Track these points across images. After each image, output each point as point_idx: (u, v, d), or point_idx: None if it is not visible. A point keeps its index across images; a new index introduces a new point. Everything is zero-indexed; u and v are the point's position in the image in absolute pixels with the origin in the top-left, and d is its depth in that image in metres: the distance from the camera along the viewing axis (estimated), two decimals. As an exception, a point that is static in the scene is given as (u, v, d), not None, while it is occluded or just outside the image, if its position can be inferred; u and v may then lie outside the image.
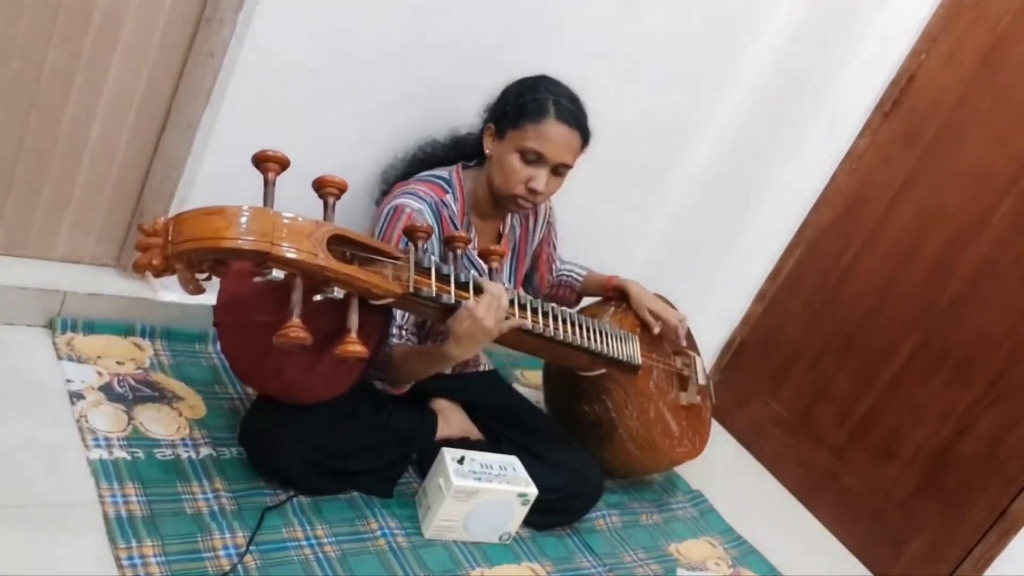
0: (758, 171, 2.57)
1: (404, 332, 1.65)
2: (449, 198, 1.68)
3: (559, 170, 1.67)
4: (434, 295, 1.32)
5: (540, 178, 1.64)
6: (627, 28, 2.13)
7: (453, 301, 1.37)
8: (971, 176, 2.22)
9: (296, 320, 1.11)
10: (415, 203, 1.62)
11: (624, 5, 2.08)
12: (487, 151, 1.69)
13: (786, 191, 2.54)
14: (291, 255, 1.12)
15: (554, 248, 2.04)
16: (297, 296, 1.13)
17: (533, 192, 1.65)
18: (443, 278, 1.35)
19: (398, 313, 1.63)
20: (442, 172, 1.73)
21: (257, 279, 1.14)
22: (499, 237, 1.83)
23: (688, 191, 2.61)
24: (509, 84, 1.71)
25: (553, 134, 1.62)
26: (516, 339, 1.56)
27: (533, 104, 1.62)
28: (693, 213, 2.64)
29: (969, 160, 2.22)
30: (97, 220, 1.77)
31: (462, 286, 1.35)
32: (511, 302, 1.48)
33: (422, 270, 1.33)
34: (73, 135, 1.64)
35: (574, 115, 1.65)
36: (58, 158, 1.65)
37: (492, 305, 1.43)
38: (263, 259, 1.12)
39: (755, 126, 2.53)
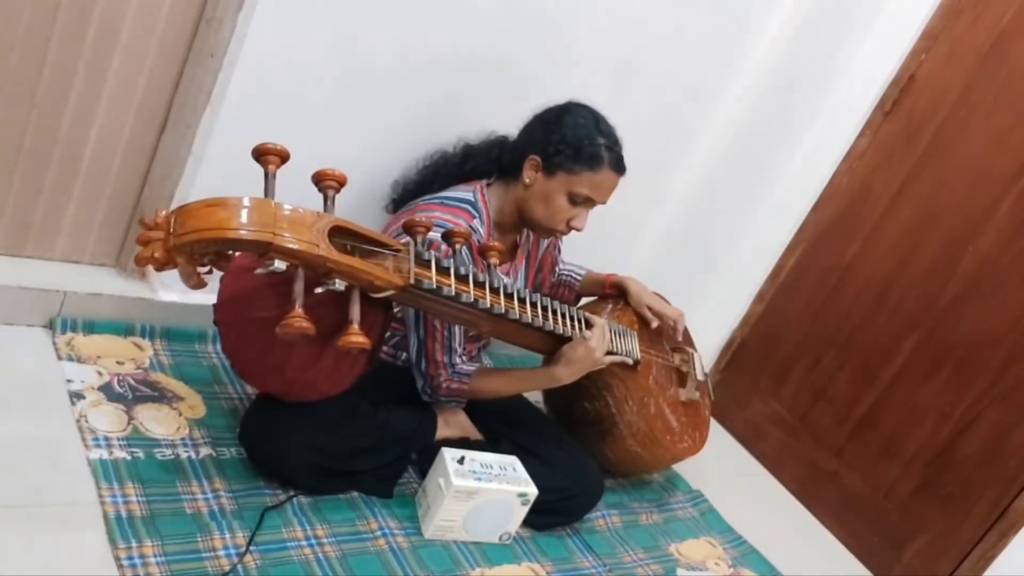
0: (758, 171, 2.57)
1: (465, 357, 1.69)
2: (476, 223, 1.67)
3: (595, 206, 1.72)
4: (434, 287, 1.32)
5: (583, 218, 1.70)
6: (627, 29, 2.13)
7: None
8: (971, 175, 2.22)
9: (299, 310, 1.11)
10: None
11: (625, 6, 2.08)
12: (527, 180, 1.68)
13: (786, 191, 2.54)
14: (293, 245, 1.12)
15: (559, 251, 2.05)
16: (299, 287, 1.13)
17: (573, 230, 1.71)
18: (443, 271, 1.36)
19: (455, 339, 1.64)
20: (466, 194, 1.71)
21: (259, 271, 1.14)
22: (516, 248, 1.84)
23: (688, 191, 2.61)
24: (554, 114, 1.69)
25: (607, 184, 1.68)
26: (515, 332, 1.56)
27: (590, 151, 1.64)
28: (693, 213, 2.64)
29: (969, 159, 2.22)
30: (97, 220, 1.77)
31: (424, 264, 1.34)
32: (503, 291, 1.48)
33: (422, 262, 1.33)
34: (73, 135, 1.64)
35: (623, 162, 1.69)
36: (58, 158, 1.65)
37: (602, 338, 1.66)
38: (265, 249, 1.12)
39: (755, 126, 2.53)
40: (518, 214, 1.73)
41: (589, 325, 1.68)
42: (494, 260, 1.51)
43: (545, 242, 1.95)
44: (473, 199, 1.70)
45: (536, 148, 1.67)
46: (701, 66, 2.37)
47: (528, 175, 1.68)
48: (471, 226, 1.65)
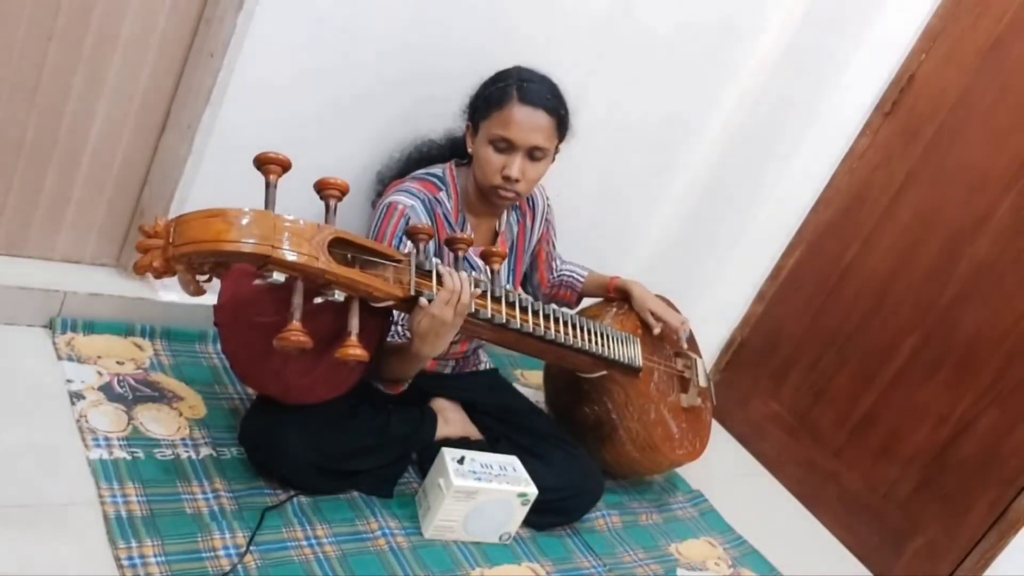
0: (758, 171, 2.57)
1: (401, 328, 1.64)
2: (443, 195, 1.69)
3: (534, 155, 1.65)
4: (435, 297, 1.32)
5: (514, 165, 1.62)
6: (626, 28, 2.13)
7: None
8: (971, 176, 2.22)
9: (296, 323, 1.11)
10: (407, 199, 1.63)
11: (623, 5, 2.08)
12: (469, 149, 1.71)
13: (786, 191, 2.54)
14: (292, 258, 1.12)
15: (553, 247, 2.03)
16: (298, 299, 1.13)
17: (508, 179, 1.63)
18: None
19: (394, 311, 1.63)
20: (436, 169, 1.75)
21: (258, 281, 1.14)
22: (495, 235, 1.83)
23: (688, 191, 2.61)
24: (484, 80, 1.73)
25: (518, 117, 1.61)
26: (516, 341, 1.56)
27: (497, 92, 1.64)
28: (693, 213, 2.64)
29: (969, 160, 2.22)
30: (97, 220, 1.77)
31: (425, 275, 1.32)
32: (504, 300, 1.47)
33: (423, 273, 1.33)
34: (73, 135, 1.64)
35: (540, 95, 1.63)
36: (58, 158, 1.65)
37: (450, 300, 1.37)
38: (264, 262, 1.12)
39: (755, 126, 2.53)
40: (479, 191, 1.72)
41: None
42: (496, 266, 1.51)
43: (535, 235, 1.94)
44: (441, 174, 1.73)
45: (468, 115, 1.71)
46: (701, 66, 2.37)
47: (468, 144, 1.71)
48: (436, 197, 1.67)
